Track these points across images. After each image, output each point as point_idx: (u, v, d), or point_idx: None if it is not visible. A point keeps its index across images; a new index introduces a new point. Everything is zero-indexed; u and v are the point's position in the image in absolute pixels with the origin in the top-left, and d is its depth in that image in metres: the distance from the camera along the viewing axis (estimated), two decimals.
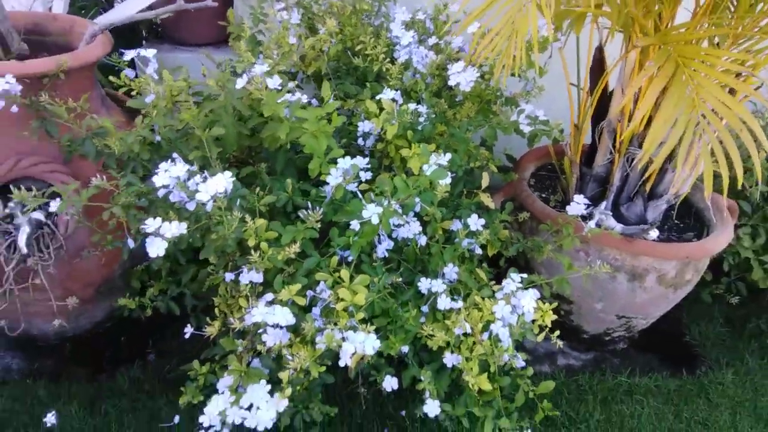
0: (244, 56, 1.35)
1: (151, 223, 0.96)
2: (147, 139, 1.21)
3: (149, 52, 1.25)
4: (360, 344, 0.95)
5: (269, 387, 1.03)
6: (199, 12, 1.91)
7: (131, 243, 1.14)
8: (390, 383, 1.17)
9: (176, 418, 1.46)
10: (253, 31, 1.58)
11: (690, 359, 1.81)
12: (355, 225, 1.03)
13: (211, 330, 1.24)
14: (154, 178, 1.00)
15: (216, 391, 1.22)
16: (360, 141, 1.37)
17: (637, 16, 1.20)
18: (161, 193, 1.03)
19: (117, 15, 1.74)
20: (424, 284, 1.12)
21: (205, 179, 0.97)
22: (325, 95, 1.18)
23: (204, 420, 1.03)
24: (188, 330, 1.26)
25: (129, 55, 1.27)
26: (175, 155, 1.07)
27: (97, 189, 1.19)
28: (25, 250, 1.31)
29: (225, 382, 1.18)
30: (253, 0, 1.64)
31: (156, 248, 0.96)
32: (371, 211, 0.99)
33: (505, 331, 1.04)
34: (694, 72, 1.10)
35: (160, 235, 0.95)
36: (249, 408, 1.03)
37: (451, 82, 1.36)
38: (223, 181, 0.96)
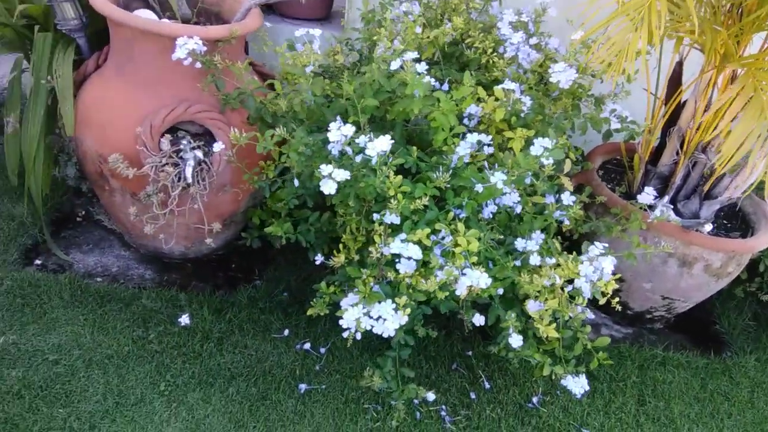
0: (381, 39, 1.61)
1: (325, 169, 1.25)
2: (303, 101, 1.49)
3: (316, 32, 1.52)
4: (476, 279, 1.23)
5: (394, 305, 1.32)
6: None
7: (296, 182, 1.42)
8: (478, 319, 1.46)
9: (285, 331, 1.78)
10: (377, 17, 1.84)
11: (718, 344, 2.06)
12: (479, 188, 1.30)
13: (338, 260, 1.54)
14: (329, 134, 1.28)
15: (338, 308, 1.52)
16: (465, 121, 1.63)
17: (727, 43, 1.43)
18: (333, 146, 1.31)
19: None
20: (520, 243, 1.39)
21: (370, 139, 1.25)
22: (466, 81, 1.44)
23: (343, 323, 1.33)
24: (318, 258, 1.56)
25: (299, 32, 1.54)
26: (338, 117, 1.35)
27: (247, 139, 1.48)
28: (190, 180, 1.61)
29: (348, 300, 1.47)
30: None
31: (329, 187, 1.24)
32: (497, 178, 1.26)
33: (587, 286, 1.30)
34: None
35: (332, 178, 1.24)
36: (377, 319, 1.32)
37: (553, 79, 1.60)
38: (386, 142, 1.23)
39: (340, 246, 1.56)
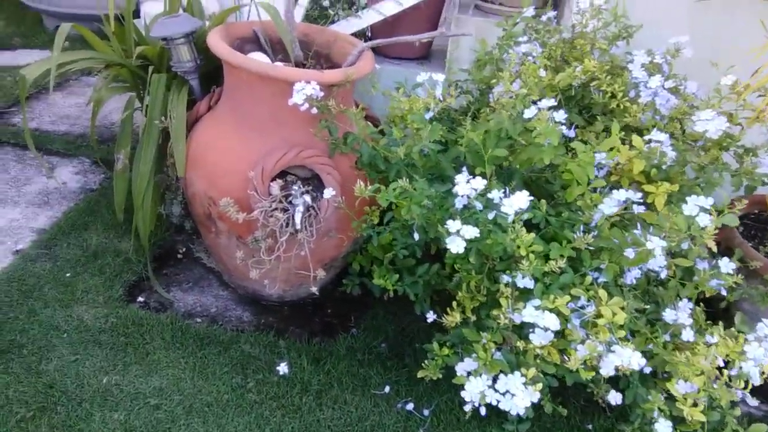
0: (503, 82, 1.52)
1: (452, 225, 1.14)
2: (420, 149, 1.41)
3: (439, 77, 1.45)
4: (627, 358, 1.08)
5: (524, 379, 1.19)
6: (410, 28, 2.12)
7: (416, 236, 1.33)
8: (615, 397, 1.29)
9: (386, 388, 1.67)
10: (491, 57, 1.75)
11: None
12: (630, 253, 1.16)
13: (451, 319, 1.42)
14: (457, 188, 1.18)
15: (452, 373, 1.40)
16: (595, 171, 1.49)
17: None
18: (459, 200, 1.21)
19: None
20: (669, 315, 1.23)
21: (506, 195, 1.14)
22: (614, 131, 1.31)
23: (465, 395, 1.20)
24: (431, 315, 1.45)
25: (421, 77, 1.47)
26: (464, 168, 1.25)
27: (372, 192, 1.41)
28: (299, 226, 1.56)
29: (464, 366, 1.35)
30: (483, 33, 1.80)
31: (456, 245, 1.14)
32: (656, 244, 1.11)
33: (756, 371, 1.12)
34: None
35: (461, 236, 1.14)
36: (503, 393, 1.19)
37: (698, 128, 1.44)
38: (524, 199, 1.12)
39: (454, 304, 1.45)
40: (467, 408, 1.22)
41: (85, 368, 1.62)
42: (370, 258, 1.83)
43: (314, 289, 1.60)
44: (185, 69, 1.83)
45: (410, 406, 1.63)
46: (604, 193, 1.26)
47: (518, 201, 1.11)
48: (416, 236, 1.32)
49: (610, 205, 1.19)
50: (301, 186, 1.60)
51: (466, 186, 1.17)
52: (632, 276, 1.26)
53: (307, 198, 1.58)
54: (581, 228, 1.23)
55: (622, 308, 1.17)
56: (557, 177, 1.49)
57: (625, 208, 1.28)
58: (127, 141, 2.01)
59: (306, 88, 1.45)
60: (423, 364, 1.40)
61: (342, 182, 1.63)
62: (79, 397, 1.53)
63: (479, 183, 1.17)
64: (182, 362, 1.67)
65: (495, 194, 1.17)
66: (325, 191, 1.54)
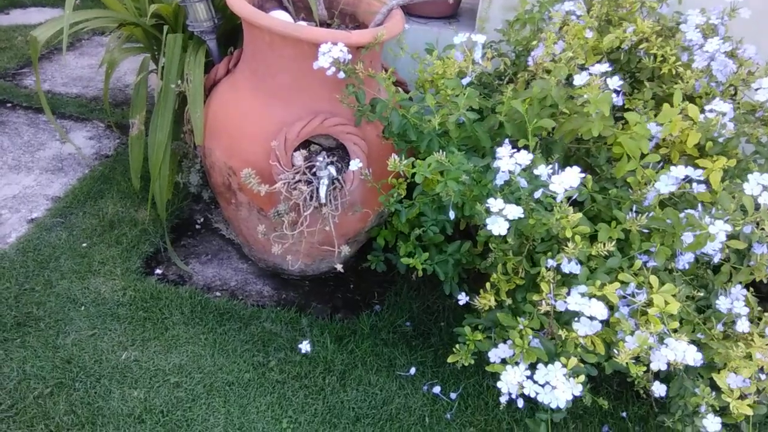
0: (547, 44, 1.39)
1: (494, 204, 1.05)
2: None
3: (479, 38, 1.32)
4: (680, 352, 0.99)
5: (565, 370, 1.11)
6: None
7: (452, 215, 1.24)
8: (659, 389, 1.21)
9: (412, 370, 1.61)
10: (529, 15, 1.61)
11: None
12: (687, 237, 1.05)
13: (484, 302, 1.34)
14: (499, 162, 1.08)
15: (483, 359, 1.33)
16: None
17: None
18: (500, 176, 1.11)
19: None
20: (723, 303, 1.13)
21: (554, 171, 1.04)
22: (676, 101, 1.19)
23: (501, 386, 1.13)
24: (462, 298, 1.36)
25: (458, 38, 1.35)
26: (506, 140, 1.15)
27: (394, 166, 1.31)
28: (323, 200, 1.47)
29: (498, 352, 1.27)
30: None
31: (498, 227, 1.04)
32: (718, 228, 1.01)
33: None
34: None
35: (503, 216, 1.04)
36: (542, 385, 1.11)
37: (759, 97, 1.31)
38: (575, 176, 1.02)
39: (487, 285, 1.36)
40: (503, 399, 1.15)
41: (103, 343, 1.57)
42: (395, 232, 1.75)
43: (339, 266, 1.52)
44: (202, 29, 1.72)
45: (437, 390, 1.56)
46: (658, 169, 1.15)
47: (569, 178, 1.01)
48: (451, 214, 1.23)
49: (667, 183, 1.08)
50: (326, 156, 1.50)
51: (509, 161, 1.07)
52: (685, 260, 1.16)
53: (332, 170, 1.49)
54: (633, 207, 1.12)
55: (674, 296, 1.07)
56: (601, 150, 1.38)
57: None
58: (142, 105, 1.92)
59: (333, 50, 1.34)
60: (454, 348, 1.32)
61: (368, 152, 1.53)
62: (97, 373, 1.49)
63: (524, 157, 1.07)
64: (202, 338, 1.62)
65: (542, 170, 1.06)
66: (352, 163, 1.44)
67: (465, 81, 1.29)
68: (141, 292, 1.72)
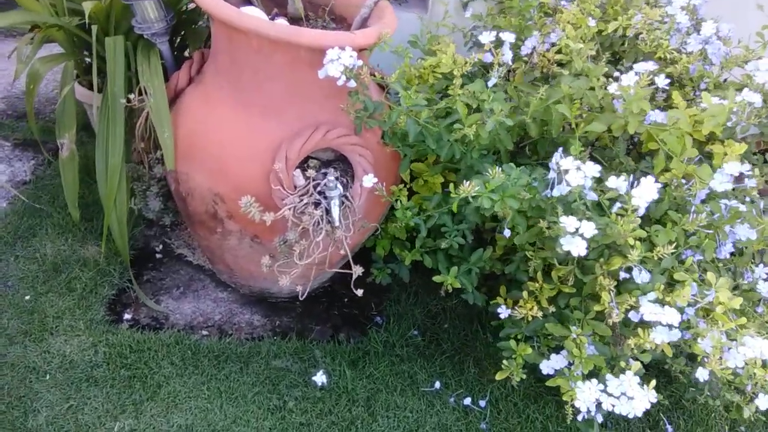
0: (564, 35, 1.32)
1: (569, 222, 0.98)
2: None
3: (509, 36, 1.22)
4: (758, 349, 1.01)
5: (638, 378, 1.09)
6: None
7: (507, 233, 1.15)
8: (702, 375, 1.24)
9: (436, 383, 1.54)
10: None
11: None
12: (751, 233, 1.06)
13: (524, 310, 1.29)
14: (568, 177, 1.01)
15: (533, 370, 1.29)
16: None
17: None
18: (559, 189, 1.04)
19: None
20: (764, 288, 1.17)
21: (632, 184, 0.99)
22: (730, 98, 1.17)
23: (579, 405, 1.09)
24: (503, 311, 1.30)
25: (485, 37, 1.24)
26: (560, 149, 1.08)
27: (433, 185, 1.20)
28: (337, 222, 1.32)
29: (551, 364, 1.24)
30: None
31: (576, 247, 0.98)
32: None
33: None
34: None
35: (580, 235, 0.98)
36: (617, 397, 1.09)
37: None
38: (653, 188, 0.97)
39: (524, 294, 1.31)
40: (580, 418, 1.12)
41: (85, 416, 1.33)
42: (390, 239, 1.65)
43: (359, 292, 1.38)
44: (153, 30, 1.46)
45: (468, 401, 1.51)
46: (701, 165, 1.15)
47: (647, 191, 0.97)
48: (506, 233, 1.15)
49: (722, 181, 1.08)
50: (334, 171, 1.35)
51: (577, 174, 1.00)
52: (726, 250, 1.18)
53: (340, 186, 1.34)
54: (691, 208, 1.11)
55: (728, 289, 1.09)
56: (618, 143, 1.36)
57: None
58: (71, 122, 1.63)
59: (342, 56, 1.18)
60: (503, 365, 1.27)
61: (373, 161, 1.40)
62: None
63: (592, 169, 1.01)
64: (203, 389, 1.43)
65: (618, 183, 1.01)
66: (365, 178, 1.31)
67: (491, 82, 1.19)
68: (116, 347, 1.48)
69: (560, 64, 1.37)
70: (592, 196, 1.03)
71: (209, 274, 1.75)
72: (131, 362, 1.45)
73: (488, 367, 1.60)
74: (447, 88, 1.42)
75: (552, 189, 1.07)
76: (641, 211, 1.00)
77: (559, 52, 1.38)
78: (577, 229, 0.98)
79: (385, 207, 1.56)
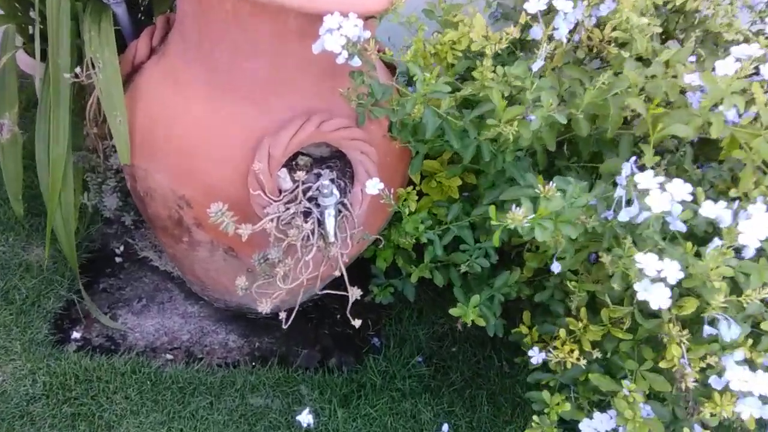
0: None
1: (648, 261, 0.72)
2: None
3: (564, 4, 0.95)
4: None
5: None
6: None
7: (557, 267, 0.89)
8: None
9: (444, 427, 1.30)
10: None
11: None
12: None
13: (562, 354, 1.04)
14: (650, 199, 0.74)
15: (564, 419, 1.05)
16: None
17: None
18: (625, 213, 0.78)
19: None
20: None
21: (736, 213, 0.73)
22: None
23: None
24: (536, 355, 1.05)
25: (532, 5, 0.96)
26: (633, 159, 0.81)
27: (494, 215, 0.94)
28: (333, 238, 1.06)
29: (593, 424, 1.00)
30: None
31: (658, 298, 0.73)
32: None
33: None
34: None
35: (662, 279, 0.72)
36: None
37: None
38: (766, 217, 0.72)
39: (561, 333, 1.06)
40: None
41: None
42: (392, 249, 1.39)
43: (358, 323, 1.12)
44: None
45: None
46: None
47: (763, 225, 0.71)
48: (556, 267, 0.89)
49: None
50: (330, 172, 1.08)
51: (662, 198, 0.74)
52: None
53: (336, 192, 1.07)
54: None
55: None
56: (680, 146, 1.10)
57: None
58: (13, 99, 1.34)
59: (344, 25, 0.90)
60: (533, 423, 1.02)
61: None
62: None
63: (681, 189, 0.74)
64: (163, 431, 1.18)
65: (718, 211, 0.74)
66: (368, 183, 1.04)
67: (536, 65, 0.92)
68: (59, 376, 1.22)
69: (613, 44, 1.10)
70: (679, 226, 0.78)
71: (178, 283, 1.49)
72: (77, 396, 1.19)
73: (504, 404, 1.36)
74: (469, 71, 1.15)
75: (615, 211, 0.81)
76: (750, 253, 0.75)
77: (614, 29, 1.10)
78: (658, 272, 0.72)
79: (387, 214, 1.29)
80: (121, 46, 1.22)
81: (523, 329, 1.21)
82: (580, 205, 0.78)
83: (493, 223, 0.78)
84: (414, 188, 1.24)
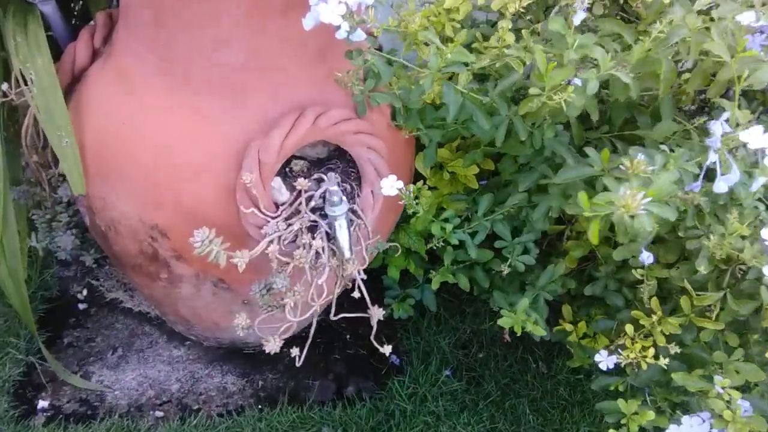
0: None
1: None
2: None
3: None
4: None
5: None
6: None
7: (648, 258, 0.73)
8: None
9: None
10: None
11: None
12: None
13: (633, 354, 0.89)
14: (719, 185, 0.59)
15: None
16: None
17: None
18: (724, 184, 0.62)
19: None
20: None
21: None
22: None
23: None
24: (605, 359, 0.90)
25: None
26: (725, 114, 0.66)
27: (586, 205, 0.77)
28: (348, 253, 0.87)
29: (683, 430, 0.85)
30: None
31: None
32: None
33: None
34: None
35: None
36: None
37: None
38: None
39: (628, 329, 0.91)
40: None
41: None
42: (405, 255, 1.22)
43: (386, 350, 0.94)
44: None
45: None
46: None
47: None
48: (646, 257, 0.73)
49: None
50: (336, 175, 0.90)
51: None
52: None
53: (345, 199, 0.89)
54: None
55: None
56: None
57: None
58: None
59: None
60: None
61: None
62: None
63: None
64: None
65: None
66: (382, 183, 0.85)
67: (578, 18, 0.75)
68: None
69: None
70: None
71: (157, 324, 1.28)
72: None
73: (549, 410, 1.21)
74: (472, 45, 0.98)
75: (705, 181, 0.66)
76: None
77: None
78: None
79: (397, 215, 1.12)
80: (56, 53, 1.00)
81: (567, 326, 1.06)
82: (673, 180, 0.62)
83: (586, 214, 0.61)
84: (424, 183, 1.07)
